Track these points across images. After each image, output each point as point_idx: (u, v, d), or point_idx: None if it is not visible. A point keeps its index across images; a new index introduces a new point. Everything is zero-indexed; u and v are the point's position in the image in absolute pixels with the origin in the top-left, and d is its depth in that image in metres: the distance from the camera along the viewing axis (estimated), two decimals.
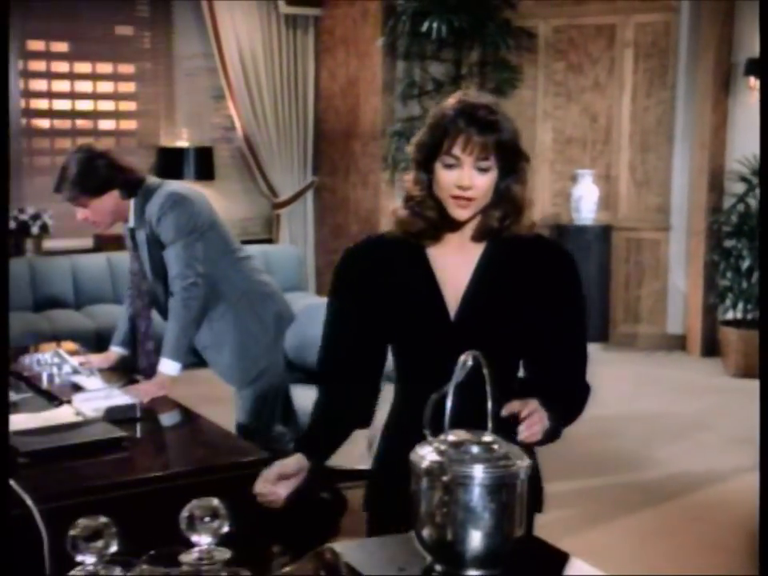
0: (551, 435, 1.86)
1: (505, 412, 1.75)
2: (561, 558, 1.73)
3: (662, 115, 7.39)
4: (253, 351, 3.62)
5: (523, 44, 7.30)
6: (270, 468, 1.93)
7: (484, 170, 1.93)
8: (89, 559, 1.17)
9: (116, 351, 3.63)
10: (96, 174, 3.34)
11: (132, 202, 3.43)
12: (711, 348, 7.19)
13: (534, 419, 1.78)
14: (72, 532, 1.18)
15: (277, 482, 1.90)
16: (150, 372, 3.50)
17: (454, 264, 2.04)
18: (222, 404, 3.84)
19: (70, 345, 4.00)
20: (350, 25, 7.66)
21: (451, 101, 1.98)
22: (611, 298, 7.57)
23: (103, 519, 1.20)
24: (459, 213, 1.96)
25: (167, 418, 3.04)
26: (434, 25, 6.83)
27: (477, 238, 2.04)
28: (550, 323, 2.02)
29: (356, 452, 4.34)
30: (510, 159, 1.97)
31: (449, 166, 1.93)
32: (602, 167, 7.53)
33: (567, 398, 1.97)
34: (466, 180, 1.92)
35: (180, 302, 3.38)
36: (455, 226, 2.01)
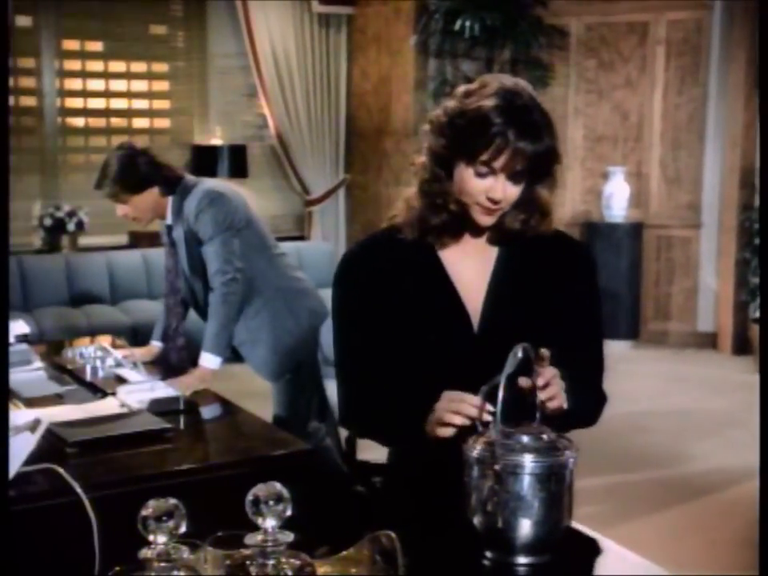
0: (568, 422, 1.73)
1: (523, 383, 1.64)
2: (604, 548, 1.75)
3: (693, 112, 7.38)
4: (288, 346, 3.67)
5: (555, 42, 7.29)
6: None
7: (518, 180, 1.77)
8: (160, 538, 1.22)
9: (156, 345, 3.70)
10: (137, 171, 3.41)
11: (170, 199, 3.49)
12: (742, 346, 7.17)
13: (554, 386, 1.66)
14: (143, 512, 1.23)
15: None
16: (180, 367, 3.57)
17: (470, 269, 1.88)
18: (256, 398, 3.88)
19: (106, 339, 4.06)
20: (382, 23, 7.69)
21: (491, 100, 1.73)
22: (642, 296, 7.57)
23: (173, 501, 1.24)
24: (484, 219, 1.81)
25: (209, 411, 3.09)
26: (467, 23, 6.85)
27: (495, 241, 1.89)
28: (567, 326, 1.87)
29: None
30: (546, 165, 1.80)
31: (481, 175, 1.75)
32: (633, 164, 7.53)
33: (583, 401, 1.80)
34: (500, 193, 1.76)
35: (220, 297, 3.43)
36: (478, 229, 1.86)
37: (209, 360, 3.39)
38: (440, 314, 1.86)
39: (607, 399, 1.96)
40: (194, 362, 3.46)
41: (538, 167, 1.77)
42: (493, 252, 1.90)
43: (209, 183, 3.59)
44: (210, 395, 3.21)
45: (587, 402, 1.86)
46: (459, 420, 1.67)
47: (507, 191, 1.76)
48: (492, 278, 1.88)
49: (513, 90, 1.77)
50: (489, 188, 1.75)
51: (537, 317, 1.82)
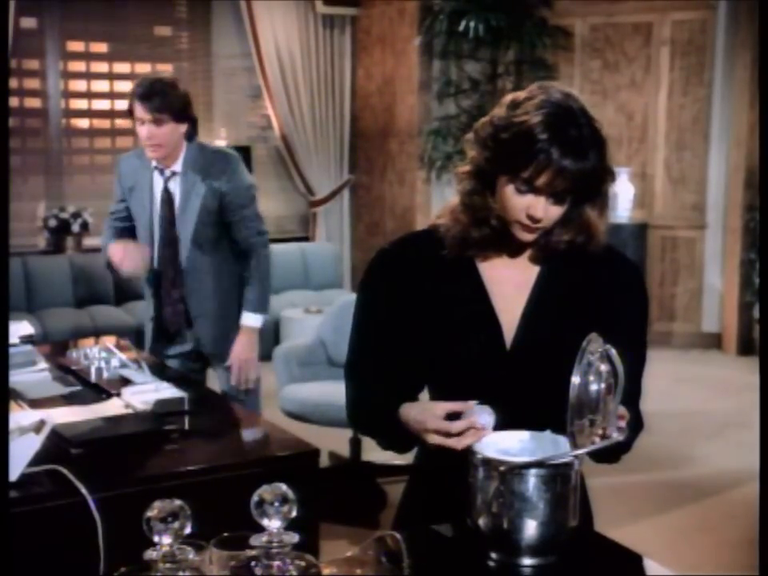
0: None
1: None
2: (618, 551, 1.74)
3: (698, 113, 7.38)
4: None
5: (560, 42, 7.31)
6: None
7: (561, 199, 1.68)
8: (165, 540, 1.21)
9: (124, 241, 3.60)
10: (186, 99, 3.51)
11: (185, 146, 3.54)
12: (747, 346, 7.16)
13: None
14: (148, 513, 1.22)
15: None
16: (176, 320, 3.61)
17: (509, 283, 1.80)
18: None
19: (111, 340, 4.06)
20: (386, 24, 7.69)
21: (537, 115, 1.64)
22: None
23: (178, 502, 1.24)
24: (524, 235, 1.73)
25: (214, 411, 3.09)
26: (471, 24, 6.87)
27: (538, 260, 1.80)
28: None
29: None
30: (593, 185, 1.71)
31: (522, 191, 1.67)
32: (638, 165, 7.52)
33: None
34: (540, 212, 1.67)
35: (262, 257, 3.55)
36: (521, 246, 1.78)
37: (254, 319, 3.51)
38: (471, 326, 1.77)
39: (644, 426, 1.88)
40: (187, 318, 3.55)
41: (584, 186, 1.68)
42: (535, 267, 1.81)
43: (224, 149, 3.84)
44: (217, 395, 3.22)
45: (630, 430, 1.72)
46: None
47: (548, 210, 1.68)
48: (531, 295, 1.79)
49: (561, 104, 1.66)
50: (529, 205, 1.67)
51: (575, 338, 1.61)
